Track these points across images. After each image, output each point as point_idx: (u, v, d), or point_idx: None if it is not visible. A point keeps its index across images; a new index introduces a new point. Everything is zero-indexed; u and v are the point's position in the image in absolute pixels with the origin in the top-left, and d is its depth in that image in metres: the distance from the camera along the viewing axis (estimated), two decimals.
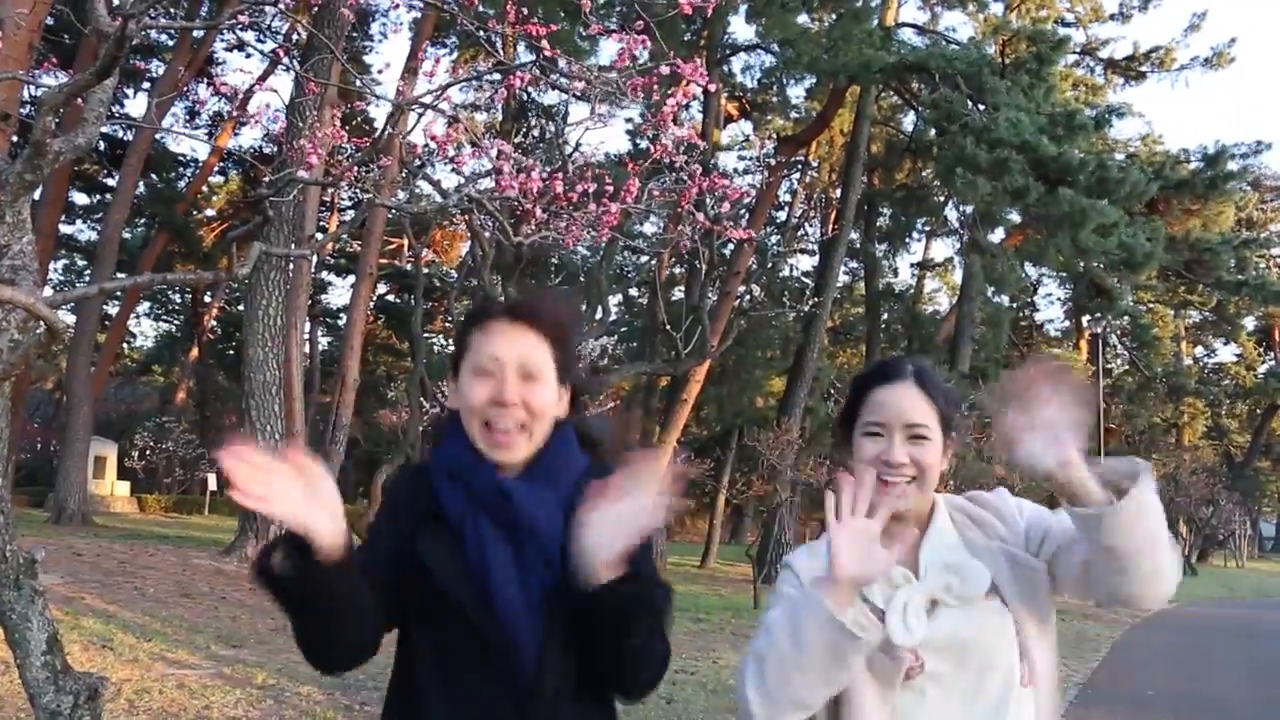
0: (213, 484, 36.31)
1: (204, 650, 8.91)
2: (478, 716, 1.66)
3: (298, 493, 1.51)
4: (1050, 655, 1.82)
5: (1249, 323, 47.97)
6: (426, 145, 6.53)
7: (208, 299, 44.03)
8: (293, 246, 11.59)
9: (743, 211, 18.41)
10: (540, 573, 1.66)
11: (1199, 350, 54.98)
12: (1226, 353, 54.14)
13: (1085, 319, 36.61)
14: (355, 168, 5.03)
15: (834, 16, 20.54)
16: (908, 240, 34.48)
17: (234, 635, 9.70)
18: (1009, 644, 1.78)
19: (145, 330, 51.98)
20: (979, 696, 1.76)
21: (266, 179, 5.02)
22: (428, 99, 5.44)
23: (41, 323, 3.50)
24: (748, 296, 19.36)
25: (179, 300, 46.31)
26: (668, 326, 10.04)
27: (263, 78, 21.45)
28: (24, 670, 3.83)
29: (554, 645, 1.64)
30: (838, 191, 28.87)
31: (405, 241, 27.99)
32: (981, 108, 18.97)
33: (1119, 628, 16.55)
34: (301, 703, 7.21)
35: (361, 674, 8.47)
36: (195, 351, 45.28)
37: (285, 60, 12.23)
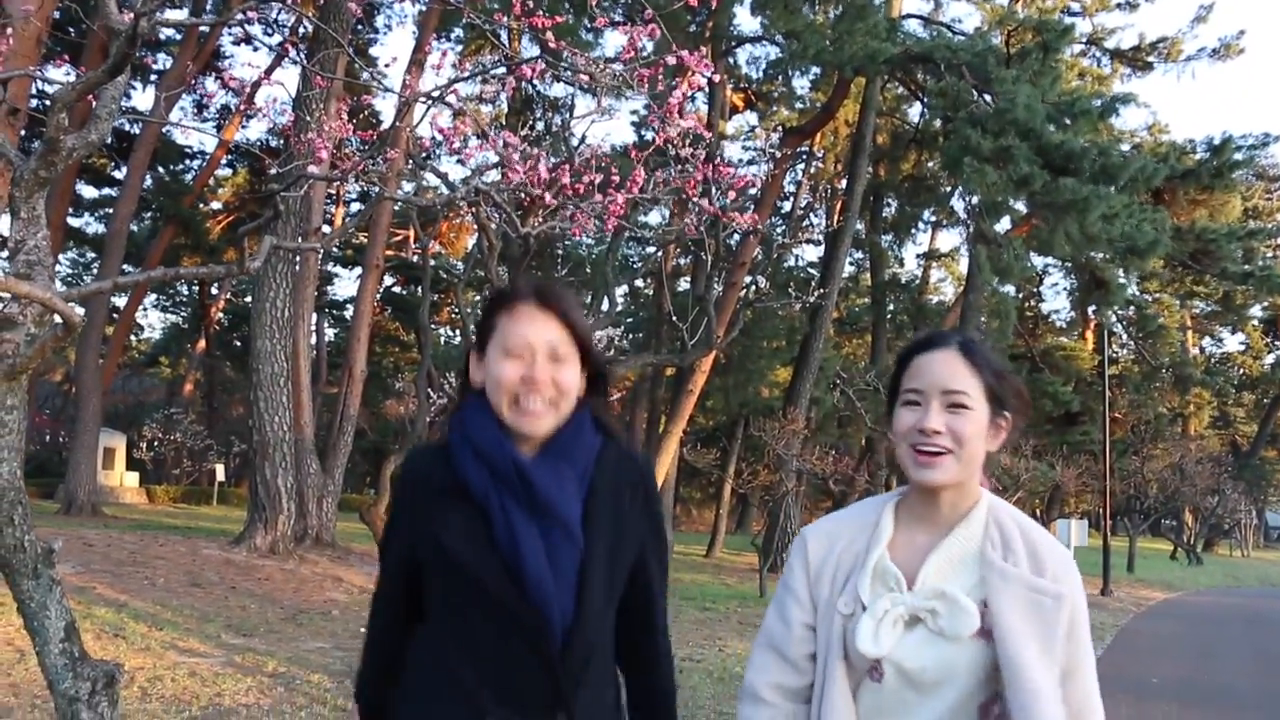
0: (221, 475, 36.45)
1: (215, 639, 8.99)
2: (506, 686, 1.74)
3: None
4: (1052, 685, 1.67)
5: (1256, 312, 47.81)
6: (433, 138, 6.57)
7: (214, 291, 44.12)
8: (301, 240, 11.65)
9: (748, 203, 18.43)
10: (565, 549, 1.74)
11: (1206, 340, 54.89)
12: (1233, 342, 54.12)
13: (1091, 309, 36.60)
14: (362, 162, 5.07)
15: (839, 9, 20.55)
16: (913, 231, 34.58)
17: (244, 624, 9.78)
18: (978, 681, 1.72)
19: (153, 322, 52.29)
20: (930, 705, 1.72)
21: (275, 172, 5.07)
22: (435, 93, 5.49)
23: (57, 317, 3.55)
24: (753, 288, 19.39)
25: (186, 293, 46.40)
26: (673, 317, 10.07)
27: (269, 71, 21.50)
28: (43, 657, 3.89)
29: (583, 618, 1.74)
30: (843, 182, 28.92)
31: (411, 234, 28.04)
32: (988, 98, 18.99)
33: (1124, 616, 16.61)
34: (312, 690, 7.29)
35: None
36: (202, 343, 45.41)
37: (292, 54, 12.28)
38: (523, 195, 5.54)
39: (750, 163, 32.73)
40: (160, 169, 32.53)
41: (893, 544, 1.79)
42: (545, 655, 1.72)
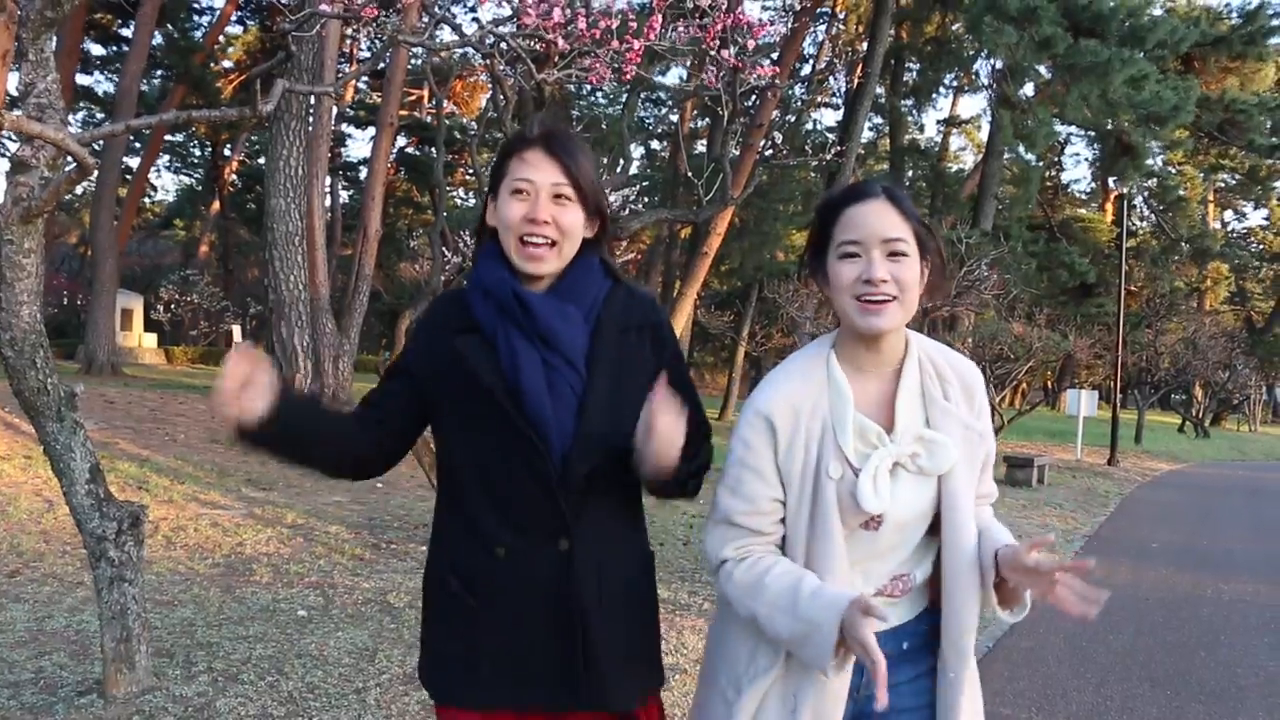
0: (237, 336, 36.77)
1: (235, 492, 9.22)
2: (513, 507, 1.84)
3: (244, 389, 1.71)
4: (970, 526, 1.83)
5: None
6: None
7: (228, 152, 43.74)
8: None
9: (767, 61, 18.03)
10: (566, 376, 1.84)
11: (1228, 214, 54.09)
12: (1256, 217, 53.30)
13: (1112, 180, 36.02)
14: (377, 9, 4.97)
15: None
16: (934, 96, 33.75)
17: (263, 479, 10.00)
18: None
19: (166, 185, 52.04)
20: (912, 539, 1.84)
21: (289, 21, 4.97)
22: None
23: (71, 159, 3.54)
24: (769, 149, 19.09)
25: (199, 154, 46.03)
26: (689, 175, 9.96)
27: None
28: (70, 497, 4.00)
29: (581, 442, 1.82)
30: (864, 45, 28.18)
31: (426, 93, 27.58)
32: None
33: (1129, 485, 16.83)
34: (330, 540, 7.49)
35: (387, 515, 8.76)
36: (217, 205, 45.23)
37: None
38: (537, 44, 5.43)
39: (770, 23, 31.87)
40: (169, 26, 31.82)
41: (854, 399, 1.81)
42: (544, 477, 1.80)
